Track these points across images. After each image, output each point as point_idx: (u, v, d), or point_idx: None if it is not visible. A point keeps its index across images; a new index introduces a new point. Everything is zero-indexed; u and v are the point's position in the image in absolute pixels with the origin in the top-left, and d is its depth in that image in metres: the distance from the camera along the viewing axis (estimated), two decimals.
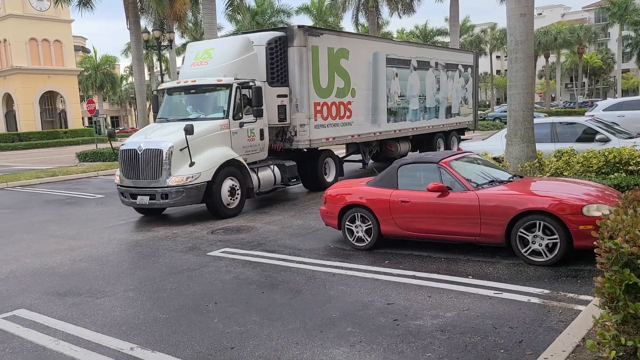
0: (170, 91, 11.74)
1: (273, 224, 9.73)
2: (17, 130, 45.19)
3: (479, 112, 50.32)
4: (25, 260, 7.96)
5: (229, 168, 10.46)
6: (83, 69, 56.94)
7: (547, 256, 6.18)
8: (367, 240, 7.47)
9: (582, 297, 5.23)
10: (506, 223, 6.34)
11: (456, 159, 7.33)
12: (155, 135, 10.41)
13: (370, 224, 7.42)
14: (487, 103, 76.28)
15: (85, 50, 70.89)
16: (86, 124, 58.31)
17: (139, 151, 10.03)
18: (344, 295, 5.74)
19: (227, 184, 10.41)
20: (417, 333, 4.64)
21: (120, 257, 7.90)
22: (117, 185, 10.60)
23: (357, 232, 7.56)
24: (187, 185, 9.80)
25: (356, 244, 7.57)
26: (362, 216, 7.50)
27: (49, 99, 49.46)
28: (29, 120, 46.19)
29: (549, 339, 4.31)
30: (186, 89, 11.47)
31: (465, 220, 6.62)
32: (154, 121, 11.84)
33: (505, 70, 10.26)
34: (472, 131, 20.88)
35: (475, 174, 7.21)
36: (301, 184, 13.05)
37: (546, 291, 5.44)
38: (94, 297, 6.13)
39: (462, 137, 19.68)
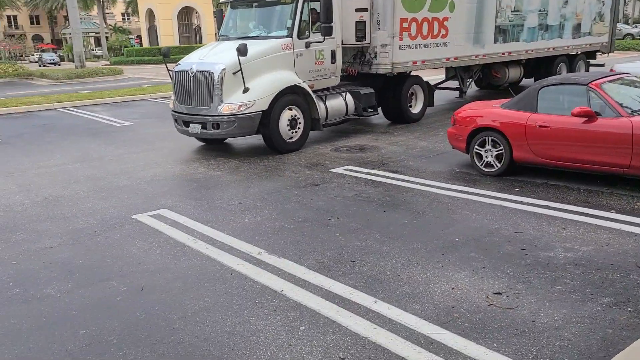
0: (234, 5, 10.33)
1: (397, 144, 9.58)
2: (158, 45, 48.28)
3: (636, 30, 44.26)
4: (167, 166, 8.68)
5: (290, 96, 9.13)
6: None
7: None
8: (497, 166, 7.08)
9: None
10: None
11: (610, 81, 6.53)
12: (210, 56, 9.21)
13: (501, 149, 7.00)
14: None
15: None
16: None
17: (190, 74, 8.92)
18: (468, 220, 5.56)
19: (287, 114, 9.10)
20: (547, 265, 4.38)
21: (249, 168, 8.30)
22: (172, 111, 9.62)
23: (487, 157, 7.19)
24: (239, 114, 8.60)
25: (484, 169, 7.23)
26: (493, 140, 7.08)
27: (185, 15, 51.84)
28: (168, 35, 48.99)
29: None
30: (249, 3, 10.05)
31: (614, 149, 5.97)
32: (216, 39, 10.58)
33: None
34: (606, 54, 17.24)
35: (632, 98, 6.40)
36: (380, 115, 11.54)
37: None
38: (226, 203, 6.55)
39: (591, 61, 16.58)
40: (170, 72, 9.56)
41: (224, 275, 4.49)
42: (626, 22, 51.77)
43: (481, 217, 5.61)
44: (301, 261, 4.72)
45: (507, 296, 3.90)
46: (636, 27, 45.99)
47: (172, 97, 9.60)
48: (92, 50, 64.92)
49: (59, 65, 49.08)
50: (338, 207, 6.20)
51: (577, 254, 4.55)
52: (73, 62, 35.76)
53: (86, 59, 39.31)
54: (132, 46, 54.68)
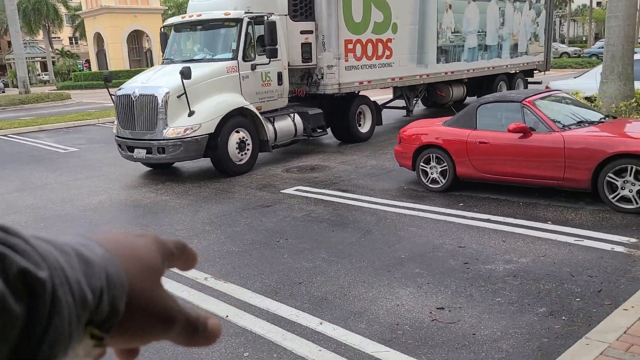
0: (178, 28, 10.27)
1: (347, 163, 9.70)
2: (107, 69, 47.46)
3: (572, 49, 46.60)
4: (113, 192, 8.49)
5: (238, 118, 9.07)
6: (167, 8, 58.14)
7: (637, 203, 5.73)
8: (442, 182, 7.27)
9: None
10: (593, 167, 5.92)
11: (541, 98, 6.85)
12: (153, 79, 9.08)
13: (445, 166, 7.19)
14: (584, 39, 70.41)
15: None
16: None
17: (133, 97, 8.73)
18: (414, 236, 5.67)
19: (235, 136, 9.00)
20: (488, 277, 4.51)
21: (198, 192, 8.22)
22: (115, 136, 9.45)
23: (432, 173, 7.37)
24: (185, 138, 8.48)
25: (430, 185, 7.40)
26: (438, 157, 7.27)
27: (135, 38, 51.24)
28: (118, 59, 48.26)
29: (631, 289, 4.05)
30: (192, 25, 10.03)
31: (548, 163, 6.24)
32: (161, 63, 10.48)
33: (607, 1, 9.07)
34: (542, 72, 18.26)
35: (563, 114, 6.72)
36: (330, 135, 11.62)
37: (633, 240, 5.08)
38: (173, 229, 6.45)
39: (529, 79, 17.32)
40: (113, 96, 9.41)
41: None
42: (562, 42, 54.49)
43: (427, 233, 5.73)
44: (248, 285, 4.69)
45: (450, 310, 3.98)
46: (572, 47, 48.39)
47: (115, 122, 9.45)
48: (39, 75, 63.12)
49: (4, 91, 47.45)
50: (287, 228, 6.21)
51: (516, 266, 4.70)
52: (18, 87, 34.65)
53: (32, 84, 38.22)
54: (80, 70, 53.53)
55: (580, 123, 6.53)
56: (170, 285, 4.74)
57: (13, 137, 15.90)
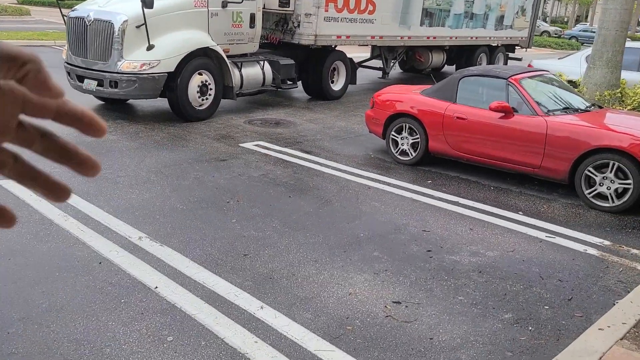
0: None
1: (314, 122, 9.11)
2: None
3: (553, 28, 46.28)
4: (53, 125, 7.55)
5: (202, 59, 8.37)
6: None
7: (613, 202, 5.42)
8: (412, 155, 6.80)
9: None
10: (574, 158, 5.54)
11: (529, 77, 6.37)
12: (112, 4, 8.17)
13: (417, 138, 6.71)
14: (566, 20, 70.26)
15: None
16: None
17: (87, 21, 7.91)
18: (376, 212, 5.22)
19: (197, 78, 8.30)
20: (452, 270, 4.11)
21: (150, 135, 7.53)
22: (64, 62, 8.51)
23: (402, 144, 6.88)
24: (141, 74, 7.74)
25: (399, 157, 6.93)
26: (411, 128, 6.78)
27: None
28: None
29: (603, 301, 3.72)
30: None
31: (527, 148, 5.83)
32: None
33: None
34: (524, 49, 17.41)
35: (548, 97, 6.28)
36: (300, 89, 10.92)
37: (607, 242, 4.77)
38: (114, 174, 5.80)
39: (510, 55, 16.69)
40: (65, 17, 8.46)
41: (91, 264, 3.85)
42: (544, 20, 54.10)
43: (390, 211, 5.29)
44: (186, 251, 4.16)
45: (407, 306, 3.57)
46: (553, 26, 48.01)
47: (66, 47, 8.52)
48: None
49: None
50: (241, 188, 5.66)
51: (482, 260, 4.31)
52: None
53: None
54: None
55: (566, 109, 6.12)
56: (97, 242, 4.18)
57: None
